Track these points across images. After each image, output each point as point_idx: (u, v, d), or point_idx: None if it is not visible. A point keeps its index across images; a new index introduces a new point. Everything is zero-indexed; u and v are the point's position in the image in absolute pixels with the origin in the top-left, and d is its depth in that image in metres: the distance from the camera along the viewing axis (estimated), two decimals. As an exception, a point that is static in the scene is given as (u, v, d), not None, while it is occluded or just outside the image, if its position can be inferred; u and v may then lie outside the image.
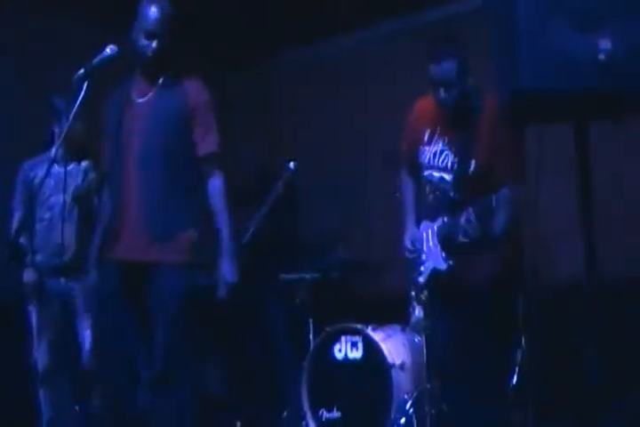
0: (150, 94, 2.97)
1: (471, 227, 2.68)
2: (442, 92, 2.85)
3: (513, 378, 3.47)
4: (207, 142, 2.96)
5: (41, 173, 3.50)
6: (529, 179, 2.84)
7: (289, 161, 4.26)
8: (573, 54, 1.86)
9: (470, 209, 2.71)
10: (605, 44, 1.84)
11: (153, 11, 2.94)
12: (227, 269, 2.89)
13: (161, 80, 2.99)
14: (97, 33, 4.52)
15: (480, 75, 2.88)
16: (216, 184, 2.94)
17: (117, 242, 2.90)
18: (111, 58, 2.94)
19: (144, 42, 2.93)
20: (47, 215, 3.66)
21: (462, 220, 2.72)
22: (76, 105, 2.86)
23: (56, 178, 3.57)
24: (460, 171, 2.82)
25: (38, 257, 3.61)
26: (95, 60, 2.93)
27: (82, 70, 2.90)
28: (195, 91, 2.98)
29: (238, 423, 4.43)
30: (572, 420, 3.54)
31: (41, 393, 3.60)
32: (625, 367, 3.58)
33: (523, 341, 3.67)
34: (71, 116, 2.86)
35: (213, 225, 2.96)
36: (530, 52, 1.88)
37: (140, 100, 2.98)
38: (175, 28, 2.98)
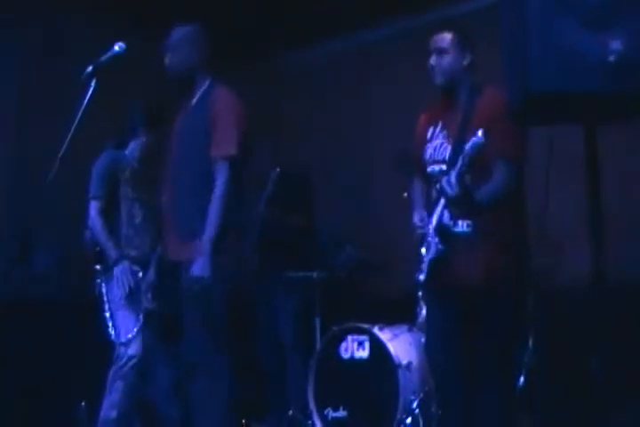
0: (186, 111, 3.22)
1: (451, 187, 2.67)
2: (433, 59, 2.96)
3: (520, 379, 3.45)
4: (218, 146, 3.07)
5: (126, 169, 3.72)
6: (538, 180, 2.83)
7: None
8: (584, 55, 1.85)
9: (451, 172, 2.70)
10: (616, 45, 1.83)
11: (174, 31, 3.22)
12: (194, 265, 2.99)
13: (195, 98, 3.19)
14: (104, 31, 4.54)
15: (486, 74, 2.89)
16: (217, 187, 3.05)
17: (163, 241, 3.24)
18: (119, 55, 2.95)
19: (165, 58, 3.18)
20: (141, 212, 3.70)
21: (444, 181, 2.71)
22: (85, 102, 2.86)
23: (142, 177, 3.74)
24: (453, 159, 2.82)
25: (133, 252, 3.64)
26: (103, 58, 2.94)
27: (90, 68, 2.90)
28: (217, 100, 3.13)
29: (244, 421, 4.43)
30: (578, 422, 3.53)
31: (121, 383, 3.54)
32: (632, 370, 3.56)
33: (530, 342, 3.65)
34: (79, 114, 2.86)
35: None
36: (540, 52, 1.87)
37: (183, 113, 3.24)
38: (199, 47, 3.17)
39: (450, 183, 2.65)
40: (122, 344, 3.56)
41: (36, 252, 3.63)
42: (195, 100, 3.19)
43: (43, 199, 2.98)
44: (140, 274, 3.57)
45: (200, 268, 2.98)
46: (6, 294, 4.01)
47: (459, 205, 2.76)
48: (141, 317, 3.57)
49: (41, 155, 3.58)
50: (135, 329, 3.56)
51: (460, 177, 2.65)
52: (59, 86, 4.24)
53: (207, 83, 3.19)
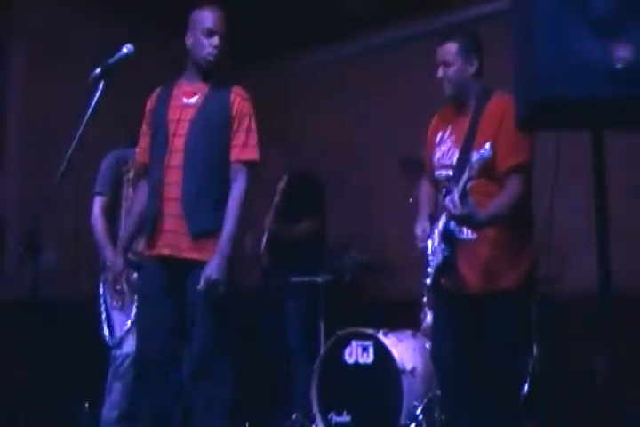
0: (198, 96, 3.07)
1: (454, 206, 2.65)
2: (440, 71, 2.96)
3: (524, 387, 3.44)
4: (241, 150, 3.03)
5: (131, 169, 3.68)
6: (545, 186, 2.82)
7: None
8: (591, 62, 1.84)
9: (454, 189, 2.70)
10: (623, 52, 1.82)
11: (212, 11, 3.10)
12: (212, 266, 2.88)
13: (210, 83, 3.09)
14: (112, 30, 4.56)
15: (495, 78, 2.90)
16: (236, 189, 2.99)
17: (157, 238, 3.00)
18: (128, 57, 2.95)
19: (205, 41, 3.04)
20: None
21: (447, 200, 2.70)
22: (93, 104, 2.87)
23: None
24: (459, 165, 2.81)
25: (130, 254, 3.48)
26: (111, 60, 2.94)
27: (98, 70, 2.90)
28: (239, 99, 3.06)
29: (247, 425, 4.43)
30: (583, 429, 3.52)
31: (119, 383, 3.54)
32: (638, 377, 3.54)
33: (535, 349, 3.64)
34: (86, 116, 2.85)
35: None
36: (548, 58, 1.86)
37: (188, 101, 3.08)
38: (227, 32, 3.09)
39: (453, 202, 2.64)
40: (114, 345, 3.57)
41: (42, 251, 3.64)
42: (207, 91, 3.08)
43: (50, 199, 2.98)
44: (135, 276, 3.54)
45: (217, 270, 2.88)
46: (12, 294, 4.02)
47: (462, 223, 2.76)
48: (133, 316, 3.55)
49: (49, 155, 3.62)
50: (125, 328, 3.55)
51: (463, 196, 2.64)
52: (67, 87, 4.25)
53: (221, 76, 3.12)
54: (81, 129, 2.92)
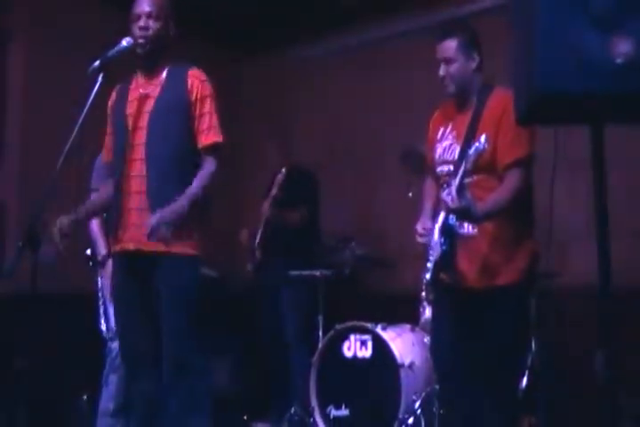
0: (155, 86, 3.01)
1: (451, 200, 2.64)
2: (441, 69, 2.94)
3: (522, 381, 3.44)
4: (207, 134, 2.96)
5: None
6: (544, 180, 2.82)
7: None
8: (592, 56, 1.83)
9: (453, 183, 2.69)
10: (624, 46, 1.81)
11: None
12: (165, 208, 2.79)
13: (165, 72, 3.01)
14: (112, 26, 4.55)
15: (494, 73, 2.89)
16: (205, 169, 2.92)
17: (121, 233, 2.96)
18: (127, 50, 2.94)
19: (133, 27, 2.96)
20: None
21: (444, 193, 2.70)
22: (91, 97, 2.86)
23: None
24: (461, 159, 2.81)
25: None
26: (111, 53, 2.93)
27: (97, 62, 2.90)
28: (197, 82, 2.98)
29: (245, 418, 4.44)
30: (582, 424, 3.52)
31: (115, 376, 3.52)
32: (638, 371, 3.55)
33: (533, 345, 3.64)
34: (85, 109, 2.85)
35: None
36: (548, 52, 1.85)
37: (145, 92, 3.01)
38: (170, 15, 3.02)
39: (451, 196, 2.64)
40: (110, 339, 3.57)
41: (41, 245, 3.65)
42: (163, 78, 3.01)
43: (50, 193, 2.97)
44: None
45: (168, 212, 2.76)
46: (11, 287, 4.03)
47: (460, 217, 2.76)
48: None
49: (49, 152, 3.61)
50: None
51: (460, 190, 2.64)
52: (67, 86, 4.25)
53: (172, 60, 3.04)
54: (80, 120, 2.91)
